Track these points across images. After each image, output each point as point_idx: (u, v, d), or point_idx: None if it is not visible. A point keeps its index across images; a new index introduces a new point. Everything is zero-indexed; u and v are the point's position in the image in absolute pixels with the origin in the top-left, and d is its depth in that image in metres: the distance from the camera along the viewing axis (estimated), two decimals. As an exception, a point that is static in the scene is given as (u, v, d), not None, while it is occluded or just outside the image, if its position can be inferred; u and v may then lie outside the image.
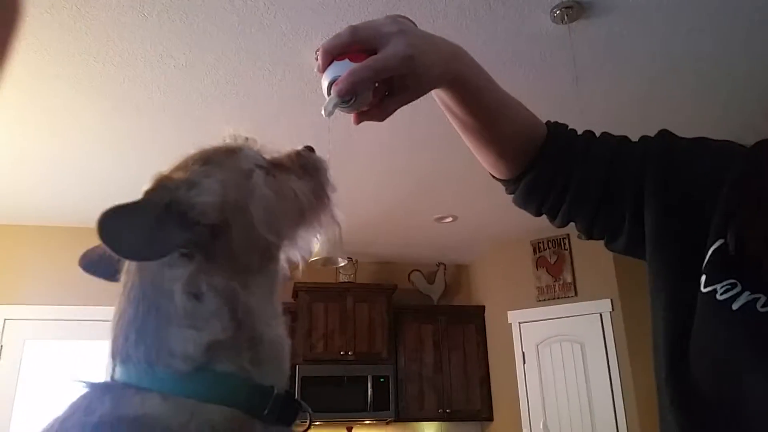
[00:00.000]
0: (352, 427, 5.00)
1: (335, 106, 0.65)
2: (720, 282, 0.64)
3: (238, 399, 0.60)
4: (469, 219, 4.73)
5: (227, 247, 0.64)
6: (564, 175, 0.81)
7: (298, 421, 0.66)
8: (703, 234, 0.69)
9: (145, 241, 0.58)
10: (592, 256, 4.67)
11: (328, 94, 0.65)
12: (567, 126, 0.85)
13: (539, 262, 5.01)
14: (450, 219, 4.74)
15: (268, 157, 0.73)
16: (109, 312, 0.65)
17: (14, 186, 3.99)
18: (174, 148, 0.66)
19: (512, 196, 0.87)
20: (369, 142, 3.53)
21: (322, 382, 4.76)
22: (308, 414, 0.67)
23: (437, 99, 0.79)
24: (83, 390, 0.60)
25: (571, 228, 0.87)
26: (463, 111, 0.77)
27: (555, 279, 4.90)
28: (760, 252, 0.63)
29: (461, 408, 5.07)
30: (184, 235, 0.61)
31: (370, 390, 4.82)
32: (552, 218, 0.85)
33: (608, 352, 4.50)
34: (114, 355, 0.62)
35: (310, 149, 0.79)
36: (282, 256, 0.72)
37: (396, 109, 0.71)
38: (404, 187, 4.17)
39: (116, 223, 0.55)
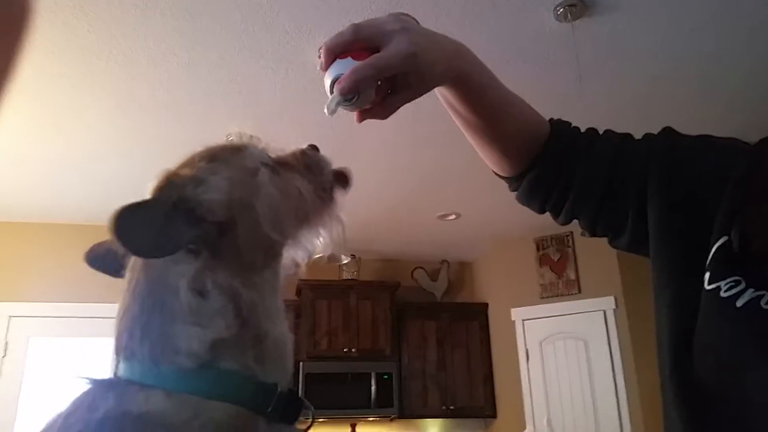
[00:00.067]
0: (355, 424, 5.00)
1: (338, 104, 0.65)
2: (724, 279, 0.64)
3: (242, 396, 0.60)
4: (473, 216, 4.72)
5: (233, 244, 0.64)
6: (567, 173, 0.81)
7: (301, 419, 0.66)
8: (706, 231, 0.69)
9: (154, 239, 0.58)
10: (596, 254, 4.65)
11: (331, 92, 0.65)
12: (570, 123, 0.85)
13: (543, 260, 5.00)
14: (453, 216, 4.74)
15: (273, 155, 0.73)
16: (113, 309, 0.65)
17: (18, 183, 4.00)
18: (177, 145, 0.66)
19: (515, 193, 0.87)
20: (372, 140, 3.53)
21: (325, 379, 4.76)
22: (311, 412, 0.67)
23: (440, 97, 0.79)
24: (87, 386, 0.61)
25: (575, 225, 0.87)
26: (466, 109, 0.77)
27: (558, 276, 4.89)
28: (765, 249, 0.63)
29: (465, 405, 5.06)
30: (192, 232, 0.61)
31: (373, 387, 4.82)
32: (555, 215, 0.85)
33: (612, 350, 4.49)
34: (118, 352, 0.62)
35: (314, 148, 0.79)
36: (285, 254, 0.72)
37: (399, 107, 0.71)
38: (407, 184, 4.17)
39: (128, 221, 0.56)
